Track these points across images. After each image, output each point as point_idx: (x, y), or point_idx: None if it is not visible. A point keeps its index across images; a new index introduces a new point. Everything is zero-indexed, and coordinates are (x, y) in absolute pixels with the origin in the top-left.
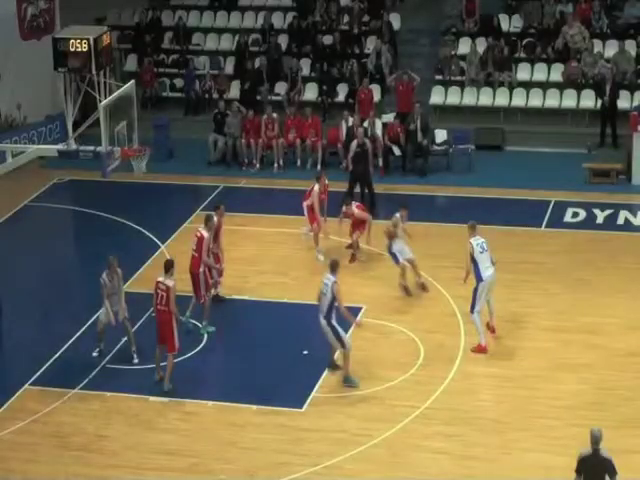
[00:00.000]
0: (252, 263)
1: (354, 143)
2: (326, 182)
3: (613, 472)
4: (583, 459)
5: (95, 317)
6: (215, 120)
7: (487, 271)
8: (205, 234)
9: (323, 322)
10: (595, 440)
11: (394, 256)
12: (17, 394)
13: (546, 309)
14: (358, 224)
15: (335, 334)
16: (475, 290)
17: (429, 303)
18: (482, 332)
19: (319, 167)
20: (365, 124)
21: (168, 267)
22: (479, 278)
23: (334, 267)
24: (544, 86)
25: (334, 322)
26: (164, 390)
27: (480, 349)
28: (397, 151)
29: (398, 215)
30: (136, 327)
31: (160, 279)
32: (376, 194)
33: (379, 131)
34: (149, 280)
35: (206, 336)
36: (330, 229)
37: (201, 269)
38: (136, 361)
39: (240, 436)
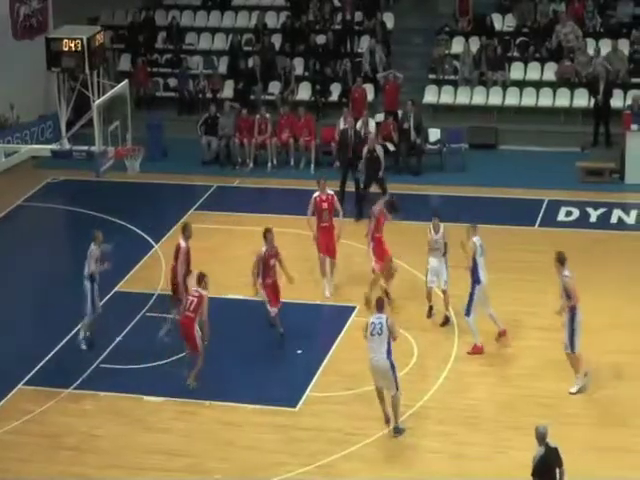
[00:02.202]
0: (246, 263)
1: (365, 149)
2: (328, 192)
3: (560, 462)
4: (541, 459)
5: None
6: (206, 124)
7: (485, 274)
8: (182, 243)
9: (386, 363)
10: (542, 437)
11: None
12: (10, 394)
13: (539, 308)
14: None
15: (394, 375)
16: (472, 293)
17: (423, 302)
18: (477, 333)
19: (312, 166)
20: (359, 123)
21: (199, 279)
22: (477, 280)
23: (381, 305)
24: (537, 85)
25: (394, 360)
26: (189, 389)
27: (476, 350)
28: (391, 147)
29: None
30: (130, 327)
31: (194, 288)
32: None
33: (373, 130)
34: (142, 280)
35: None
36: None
37: (179, 278)
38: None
39: (235, 435)
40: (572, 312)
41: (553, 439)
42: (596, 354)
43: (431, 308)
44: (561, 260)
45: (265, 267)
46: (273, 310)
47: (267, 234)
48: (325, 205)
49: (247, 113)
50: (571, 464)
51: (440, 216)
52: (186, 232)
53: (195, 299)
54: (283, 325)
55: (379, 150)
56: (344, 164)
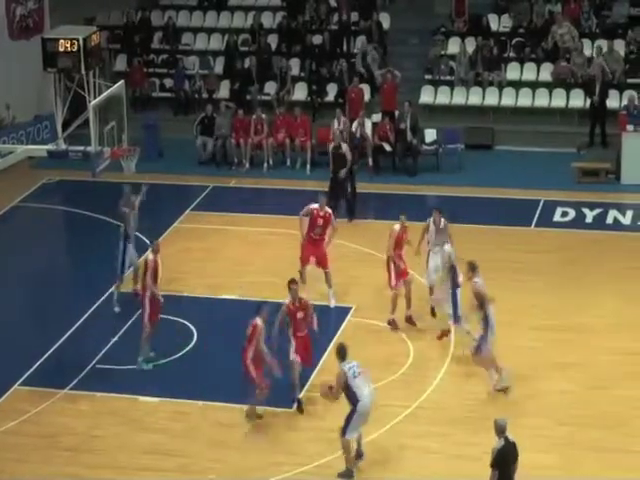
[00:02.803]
0: (242, 263)
1: (330, 145)
2: (327, 210)
3: (516, 458)
4: (500, 451)
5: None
6: (202, 123)
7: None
8: (150, 257)
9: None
10: (502, 430)
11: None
12: (6, 395)
13: (535, 308)
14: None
15: None
16: (455, 299)
17: (419, 303)
18: (472, 333)
19: (308, 167)
20: (355, 124)
21: (259, 308)
22: (457, 284)
23: (344, 352)
24: (533, 86)
25: None
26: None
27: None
28: (388, 147)
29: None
30: (126, 327)
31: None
32: (351, 199)
33: (369, 130)
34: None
35: (145, 366)
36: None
37: (147, 293)
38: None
39: (230, 436)
40: (485, 316)
41: (552, 439)
42: (593, 354)
43: (434, 307)
44: (472, 268)
45: (293, 320)
46: (296, 361)
47: (291, 285)
48: (321, 222)
49: (243, 113)
50: (570, 464)
51: (442, 209)
52: (154, 246)
53: (250, 328)
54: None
55: (345, 148)
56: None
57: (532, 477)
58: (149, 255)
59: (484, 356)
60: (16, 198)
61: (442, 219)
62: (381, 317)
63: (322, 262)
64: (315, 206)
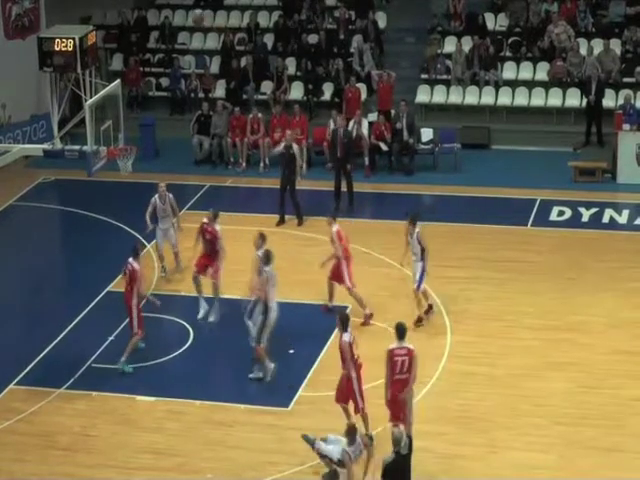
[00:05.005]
0: (238, 262)
1: (281, 145)
2: (215, 226)
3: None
4: (389, 465)
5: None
6: (198, 122)
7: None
8: (136, 266)
9: None
10: (396, 442)
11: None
12: (2, 394)
13: (532, 308)
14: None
15: None
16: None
17: (415, 302)
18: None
19: (304, 166)
20: (351, 123)
21: (402, 333)
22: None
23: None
24: (530, 85)
25: None
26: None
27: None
28: (384, 146)
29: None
30: (121, 327)
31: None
32: (299, 205)
33: (365, 130)
34: None
35: (126, 368)
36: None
37: (133, 302)
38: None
39: (227, 435)
40: (265, 306)
41: (549, 438)
42: (592, 354)
43: (430, 306)
44: (269, 258)
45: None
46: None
47: (345, 320)
48: (208, 236)
49: (240, 112)
50: (568, 464)
51: (415, 219)
52: (136, 251)
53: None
54: None
55: (296, 149)
56: (336, 164)
57: (530, 477)
58: (134, 264)
59: (263, 347)
60: (12, 197)
61: (416, 229)
62: (378, 317)
63: (213, 274)
64: (205, 220)
